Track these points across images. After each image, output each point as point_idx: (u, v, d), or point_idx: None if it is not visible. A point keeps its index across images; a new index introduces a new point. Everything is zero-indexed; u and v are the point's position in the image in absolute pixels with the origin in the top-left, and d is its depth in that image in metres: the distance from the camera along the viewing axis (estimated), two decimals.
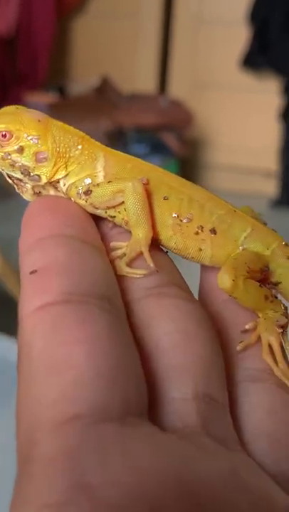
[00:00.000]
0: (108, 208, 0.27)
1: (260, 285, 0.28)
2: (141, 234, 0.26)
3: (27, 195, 0.29)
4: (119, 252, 0.26)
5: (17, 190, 0.29)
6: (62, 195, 0.29)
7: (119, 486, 0.16)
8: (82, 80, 2.36)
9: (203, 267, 0.29)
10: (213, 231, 0.28)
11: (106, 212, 0.28)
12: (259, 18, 2.16)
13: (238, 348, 0.25)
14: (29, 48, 2.30)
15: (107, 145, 0.30)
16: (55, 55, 2.39)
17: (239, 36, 2.22)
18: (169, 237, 0.28)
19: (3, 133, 0.27)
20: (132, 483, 0.16)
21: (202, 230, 0.28)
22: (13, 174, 0.28)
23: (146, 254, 0.25)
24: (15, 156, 0.28)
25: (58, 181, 0.28)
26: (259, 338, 0.26)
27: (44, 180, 0.28)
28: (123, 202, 0.27)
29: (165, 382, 0.21)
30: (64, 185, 0.28)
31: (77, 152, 0.28)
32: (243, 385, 0.23)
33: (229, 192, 2.43)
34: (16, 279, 1.12)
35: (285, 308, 0.28)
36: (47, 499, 0.15)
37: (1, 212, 1.65)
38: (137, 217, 0.27)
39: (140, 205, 0.27)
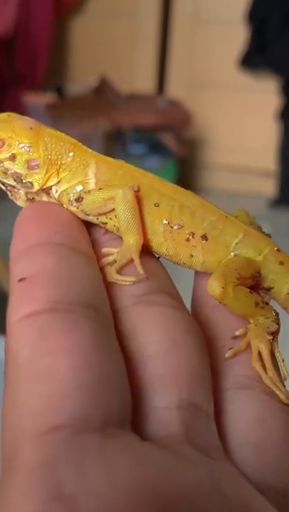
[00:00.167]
0: (99, 214, 0.28)
1: (250, 291, 0.28)
2: (132, 241, 0.26)
3: (20, 202, 0.29)
4: (110, 259, 0.26)
5: (10, 197, 0.30)
6: (55, 201, 0.29)
7: (97, 497, 0.16)
8: (80, 80, 2.36)
9: (197, 272, 0.29)
10: (205, 237, 0.28)
11: (97, 218, 0.28)
12: (257, 17, 2.16)
13: (227, 354, 0.25)
14: (27, 48, 2.30)
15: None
16: (53, 55, 2.39)
17: (237, 36, 2.22)
18: (160, 243, 0.28)
19: None
20: (110, 494, 0.16)
21: (193, 237, 0.28)
22: (6, 181, 0.29)
23: (137, 261, 0.25)
24: (7, 164, 0.28)
25: (50, 188, 0.29)
26: (249, 345, 0.26)
27: (36, 187, 0.28)
28: (114, 209, 0.27)
29: (150, 391, 0.21)
30: (56, 191, 0.29)
31: (68, 159, 0.29)
32: (231, 392, 0.23)
33: (227, 192, 2.43)
34: None
35: (277, 314, 0.28)
36: (23, 511, 0.15)
37: None
38: (128, 224, 0.27)
39: (130, 212, 0.27)
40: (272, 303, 0.30)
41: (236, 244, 0.29)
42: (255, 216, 0.33)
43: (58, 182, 0.28)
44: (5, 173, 0.28)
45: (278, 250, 0.29)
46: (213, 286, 0.26)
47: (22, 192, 0.29)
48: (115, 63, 2.39)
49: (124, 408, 0.19)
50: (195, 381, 0.21)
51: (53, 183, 0.28)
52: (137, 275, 0.25)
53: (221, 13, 2.29)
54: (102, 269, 0.25)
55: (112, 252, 0.26)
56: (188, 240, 0.28)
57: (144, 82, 2.41)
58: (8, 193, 0.29)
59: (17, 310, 0.21)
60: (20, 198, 0.29)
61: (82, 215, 0.28)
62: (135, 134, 2.12)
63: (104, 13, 2.42)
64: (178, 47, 2.36)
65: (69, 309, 0.20)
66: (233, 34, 2.23)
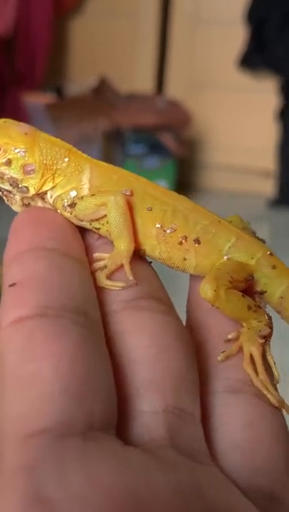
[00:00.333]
0: (92, 220, 0.28)
1: (242, 295, 0.28)
2: (123, 246, 0.27)
3: (16, 207, 0.30)
4: (101, 264, 0.26)
5: (6, 202, 0.30)
6: (50, 206, 0.29)
7: (76, 501, 0.16)
8: (79, 80, 2.37)
9: (192, 276, 0.30)
10: (197, 241, 0.29)
11: (91, 224, 0.28)
12: (256, 17, 2.16)
13: (219, 358, 0.25)
14: (27, 49, 2.30)
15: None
16: (52, 55, 2.39)
17: (237, 36, 2.22)
18: (153, 247, 0.28)
19: None
20: (89, 498, 0.16)
21: (186, 240, 0.29)
22: (3, 186, 0.29)
23: (127, 267, 0.26)
24: (3, 169, 0.28)
25: (45, 193, 0.29)
26: (241, 348, 0.26)
27: (32, 191, 0.29)
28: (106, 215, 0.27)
29: (136, 395, 0.21)
30: (51, 197, 0.29)
31: (64, 164, 0.29)
32: (222, 395, 0.24)
33: (227, 192, 2.43)
34: None
35: (270, 318, 0.29)
36: None
37: None
38: (119, 230, 0.27)
39: (122, 219, 0.27)
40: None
41: (229, 248, 0.29)
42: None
43: (53, 187, 0.29)
44: (1, 177, 0.29)
45: (271, 254, 0.30)
46: (205, 289, 0.27)
47: (18, 197, 0.29)
48: (115, 63, 2.40)
49: (109, 413, 0.19)
50: (182, 386, 0.21)
51: (48, 188, 0.29)
52: (127, 281, 0.25)
53: (221, 13, 2.29)
54: (93, 274, 0.25)
55: (103, 258, 0.27)
56: (181, 243, 0.29)
57: (143, 82, 2.41)
58: (5, 198, 0.30)
59: (7, 315, 0.21)
60: (16, 203, 0.29)
61: (75, 221, 0.28)
62: (135, 134, 2.12)
63: (103, 13, 2.42)
64: (177, 47, 2.36)
65: (58, 315, 0.20)
66: (233, 34, 2.23)
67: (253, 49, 2.20)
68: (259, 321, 0.28)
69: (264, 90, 2.29)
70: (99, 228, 0.28)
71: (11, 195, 0.29)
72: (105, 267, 0.26)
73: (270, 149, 2.31)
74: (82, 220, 0.28)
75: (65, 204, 0.28)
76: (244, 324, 0.28)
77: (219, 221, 0.29)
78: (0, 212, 0.41)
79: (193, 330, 0.27)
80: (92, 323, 0.21)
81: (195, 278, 0.29)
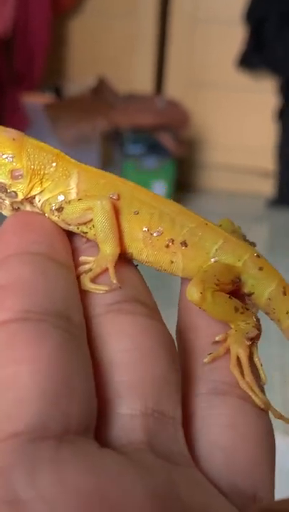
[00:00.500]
0: (79, 224, 0.28)
1: (229, 297, 0.28)
2: (108, 250, 0.27)
3: (6, 211, 0.30)
4: (86, 267, 0.26)
5: None
6: (38, 210, 0.29)
7: (47, 503, 0.16)
8: (78, 80, 2.37)
9: (183, 279, 0.30)
10: (184, 244, 0.29)
11: (78, 228, 0.28)
12: (255, 17, 2.17)
13: (206, 360, 0.25)
14: (26, 49, 2.30)
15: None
16: (51, 55, 2.39)
17: (235, 35, 2.22)
18: (140, 250, 0.29)
19: None
20: (59, 500, 0.16)
21: (173, 243, 0.29)
22: None
23: (111, 271, 0.26)
24: None
25: (33, 197, 0.29)
26: (229, 350, 0.26)
27: (20, 196, 0.29)
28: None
29: (115, 398, 0.21)
30: (39, 201, 0.29)
31: (51, 169, 0.29)
32: (207, 397, 0.24)
33: (226, 191, 2.43)
34: None
35: (258, 320, 0.29)
36: None
37: None
38: (105, 234, 0.27)
39: (108, 223, 0.27)
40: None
41: (216, 250, 0.29)
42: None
43: (41, 192, 0.29)
44: None
45: (258, 256, 0.30)
46: (192, 292, 0.27)
47: (7, 202, 0.29)
48: (113, 63, 2.40)
49: (88, 416, 0.19)
50: (162, 389, 0.22)
51: (36, 193, 0.29)
52: (110, 284, 0.25)
53: (220, 12, 2.29)
54: (79, 277, 0.26)
55: (88, 261, 0.27)
56: (168, 246, 0.29)
57: (142, 82, 2.42)
58: None
59: None
60: (6, 208, 0.30)
61: (63, 225, 0.28)
62: (133, 134, 2.12)
63: (102, 13, 2.42)
64: (176, 46, 2.37)
65: (40, 319, 0.21)
66: (232, 34, 2.23)
67: (252, 49, 2.20)
68: (247, 323, 0.28)
69: (263, 90, 2.29)
70: (86, 232, 0.28)
71: (1, 200, 0.29)
72: (90, 270, 0.26)
73: (269, 149, 2.31)
74: (69, 224, 0.28)
75: (53, 208, 0.29)
76: (232, 326, 0.28)
77: (206, 224, 0.30)
78: None
79: (183, 331, 0.27)
80: (74, 327, 0.22)
81: (186, 280, 0.30)
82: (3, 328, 0.20)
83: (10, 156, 0.28)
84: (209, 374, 0.25)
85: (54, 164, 0.29)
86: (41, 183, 0.29)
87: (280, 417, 0.26)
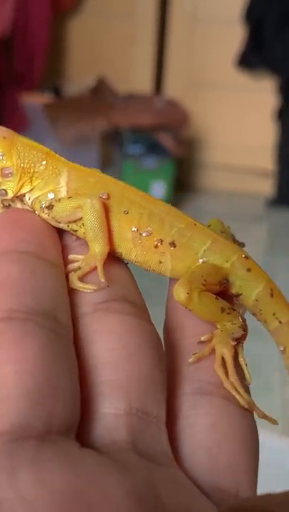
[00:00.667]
0: (69, 222, 0.28)
1: (216, 297, 0.28)
2: (97, 249, 0.27)
3: None
4: (75, 265, 0.27)
5: None
6: (29, 208, 0.30)
7: (25, 503, 0.16)
8: (77, 81, 2.37)
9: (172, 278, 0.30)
10: (173, 244, 0.29)
11: (68, 226, 0.28)
12: (254, 17, 2.17)
13: (190, 360, 0.25)
14: (25, 49, 2.30)
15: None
16: (50, 55, 2.40)
17: (235, 35, 2.22)
18: (129, 250, 0.29)
19: None
20: (37, 500, 0.16)
21: (162, 243, 0.29)
22: None
23: (100, 269, 0.26)
24: None
25: (24, 195, 0.29)
26: (214, 351, 0.27)
27: (10, 194, 0.29)
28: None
29: (99, 397, 0.21)
30: (29, 199, 0.29)
31: (41, 167, 0.29)
32: (191, 397, 0.24)
33: (225, 191, 2.43)
34: None
35: (244, 320, 0.29)
36: None
37: None
38: (94, 232, 0.27)
39: (97, 222, 0.28)
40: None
41: (204, 251, 0.29)
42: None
43: (31, 190, 0.29)
44: None
45: (246, 257, 0.30)
46: (178, 292, 0.27)
47: None
48: (113, 63, 2.40)
49: (71, 416, 0.20)
50: (147, 388, 0.22)
51: (26, 191, 0.29)
52: (99, 283, 0.25)
53: (219, 12, 2.29)
54: (67, 275, 0.26)
55: (77, 259, 0.27)
56: (156, 246, 0.29)
57: (141, 82, 2.42)
58: None
59: None
60: None
61: (53, 222, 0.28)
62: (133, 134, 2.12)
63: (101, 13, 2.42)
64: (176, 46, 2.37)
65: (26, 318, 0.21)
66: (231, 33, 2.24)
67: (251, 48, 2.20)
68: (233, 323, 0.28)
69: (262, 90, 2.29)
70: (76, 230, 0.28)
71: None
72: (79, 268, 0.26)
73: (268, 149, 2.31)
74: (59, 222, 0.28)
75: (43, 206, 0.29)
76: (218, 326, 0.28)
77: (195, 224, 0.30)
78: None
79: (170, 331, 0.27)
80: (61, 327, 0.22)
81: (174, 280, 0.30)
82: None
83: (0, 154, 0.29)
84: (194, 374, 0.25)
85: (44, 162, 0.29)
86: (31, 181, 0.29)
87: (264, 416, 0.26)
